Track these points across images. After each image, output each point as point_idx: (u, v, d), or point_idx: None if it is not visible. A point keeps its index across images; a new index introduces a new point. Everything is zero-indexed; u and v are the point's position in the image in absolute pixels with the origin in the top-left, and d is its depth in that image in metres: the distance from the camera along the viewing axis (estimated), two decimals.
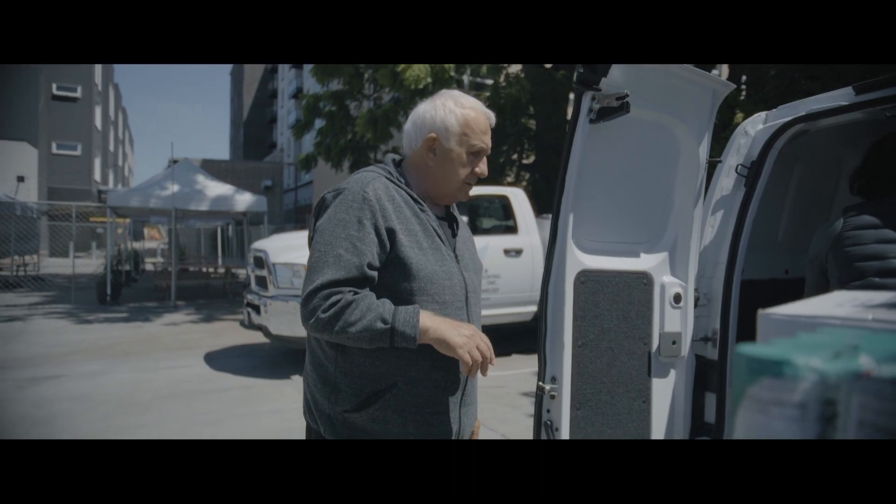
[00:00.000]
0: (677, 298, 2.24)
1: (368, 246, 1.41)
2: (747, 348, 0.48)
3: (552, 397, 2.05)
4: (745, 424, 0.47)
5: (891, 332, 0.56)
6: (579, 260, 2.07)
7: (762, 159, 2.29)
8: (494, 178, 12.13)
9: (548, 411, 2.07)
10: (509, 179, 13.20)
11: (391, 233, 1.44)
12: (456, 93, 1.60)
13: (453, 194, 1.60)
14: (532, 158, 13.53)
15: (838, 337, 0.57)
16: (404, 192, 1.53)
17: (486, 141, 1.57)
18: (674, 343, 2.25)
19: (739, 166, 2.34)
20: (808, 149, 2.73)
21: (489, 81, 12.89)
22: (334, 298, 1.38)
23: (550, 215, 2.04)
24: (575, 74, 1.93)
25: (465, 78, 13.39)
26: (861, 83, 2.02)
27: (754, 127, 2.39)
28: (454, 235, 1.62)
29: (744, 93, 10.10)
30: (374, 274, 1.44)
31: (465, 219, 1.73)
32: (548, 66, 12.45)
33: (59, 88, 34.14)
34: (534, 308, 7.32)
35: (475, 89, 13.51)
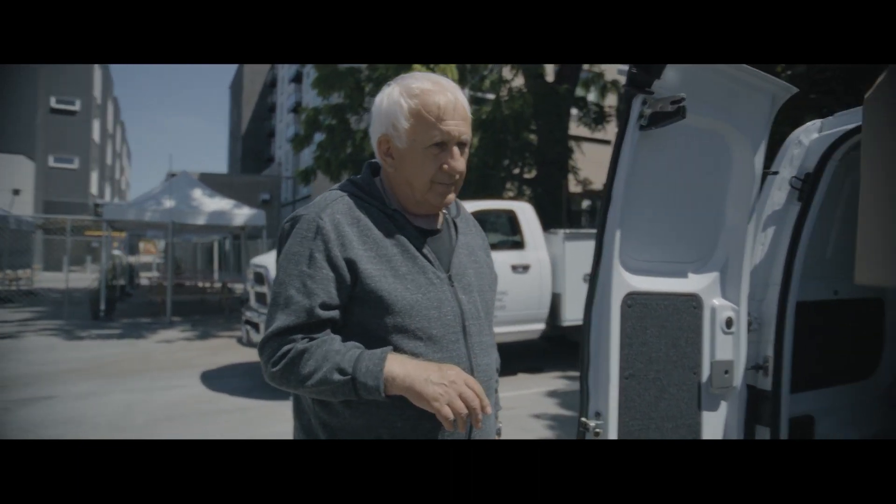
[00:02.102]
0: (729, 323, 2.04)
1: (321, 284, 1.19)
2: None
3: (596, 434, 1.83)
4: None
5: None
6: (626, 281, 1.87)
7: (819, 171, 2.10)
8: (496, 192, 11.98)
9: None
10: (510, 194, 13.04)
11: (352, 264, 1.21)
12: (407, 77, 1.30)
13: (425, 200, 1.30)
14: (534, 173, 13.38)
15: None
16: (375, 210, 1.28)
17: (450, 128, 1.25)
18: (726, 373, 2.04)
19: (793, 178, 2.15)
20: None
21: (491, 96, 12.77)
22: (285, 349, 1.18)
23: (559, 231, 1.83)
24: (626, 76, 1.74)
25: (467, 92, 13.28)
26: None
27: (808, 136, 2.20)
28: (452, 249, 1.35)
29: None
30: (333, 314, 1.21)
31: (474, 223, 1.43)
32: (550, 80, 12.34)
33: (58, 101, 34.03)
34: (542, 325, 7.10)
35: (475, 104, 13.40)
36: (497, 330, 6.77)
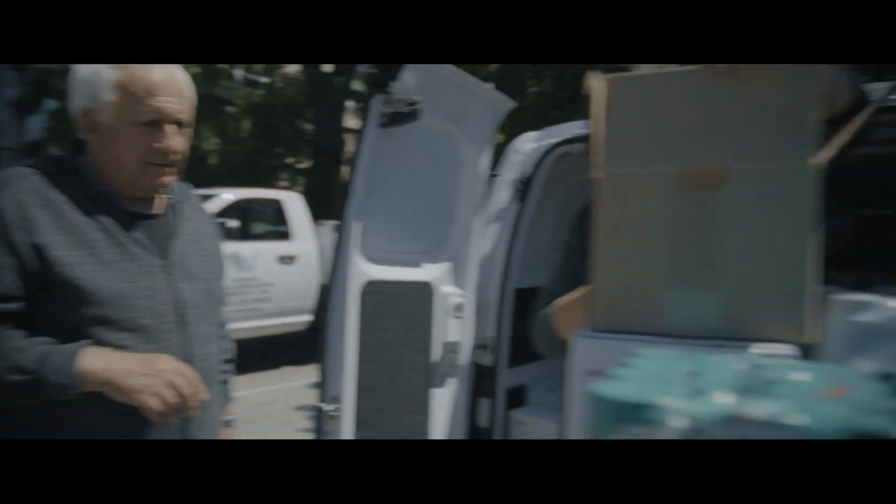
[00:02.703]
0: (458, 308, 2.27)
1: None
2: (604, 388, 0.41)
3: (332, 418, 1.90)
4: None
5: (715, 354, 0.55)
6: (365, 270, 1.97)
7: (532, 176, 2.45)
8: (267, 181, 11.54)
9: (328, 433, 1.91)
10: (283, 184, 12.68)
11: (40, 250, 1.09)
12: None
13: (137, 182, 1.21)
14: (310, 163, 13.19)
15: (668, 362, 0.53)
16: (74, 191, 1.16)
17: (162, 105, 1.17)
18: (453, 353, 2.27)
19: (514, 181, 2.48)
20: (568, 171, 3.03)
21: (264, 79, 12.24)
22: None
23: (328, 222, 1.89)
24: (368, 76, 1.82)
25: (241, 72, 12.52)
26: None
27: (526, 145, 2.55)
28: (172, 235, 1.27)
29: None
30: (11, 307, 1.09)
31: (203, 209, 1.39)
32: (327, 70, 12.28)
33: None
34: (309, 317, 7.05)
35: (249, 86, 12.71)
36: (262, 323, 6.56)
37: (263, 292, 6.52)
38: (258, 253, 6.42)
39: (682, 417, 0.38)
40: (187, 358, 1.22)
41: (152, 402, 1.05)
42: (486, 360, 2.45)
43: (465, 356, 2.32)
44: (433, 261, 2.26)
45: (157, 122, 1.18)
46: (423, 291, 2.18)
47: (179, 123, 1.22)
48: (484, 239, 2.49)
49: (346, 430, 1.91)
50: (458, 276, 2.30)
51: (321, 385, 1.91)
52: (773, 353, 0.62)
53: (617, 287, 0.69)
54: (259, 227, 7.14)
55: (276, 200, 7.06)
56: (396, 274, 2.10)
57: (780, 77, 0.62)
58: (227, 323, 1.55)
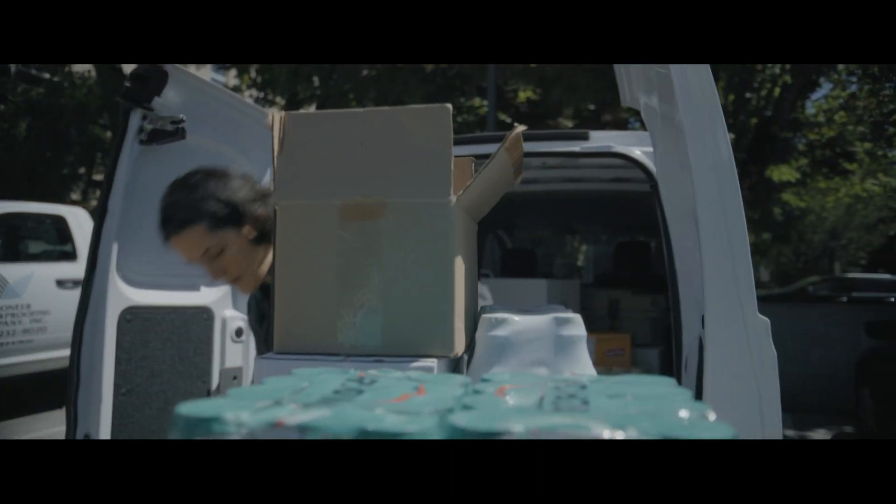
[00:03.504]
0: (239, 332, 2.21)
1: None
2: (184, 408, 0.45)
3: None
4: None
5: (348, 370, 0.62)
6: (125, 295, 1.83)
7: None
8: (56, 194, 10.15)
9: None
10: (75, 197, 11.24)
11: None
12: None
13: None
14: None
15: (298, 379, 0.59)
16: None
17: None
18: (234, 378, 2.20)
19: None
20: None
21: (46, 75, 10.77)
22: None
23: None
24: (123, 89, 1.72)
25: (14, 66, 10.84)
26: None
27: None
28: None
29: None
30: None
31: None
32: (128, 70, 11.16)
33: None
34: None
35: (28, 82, 11.08)
36: (36, 357, 5.70)
37: (36, 321, 5.69)
38: (30, 276, 5.60)
39: (238, 427, 0.43)
40: None
41: None
42: None
43: (248, 381, 2.26)
44: (211, 283, 2.18)
45: None
46: (200, 316, 2.09)
47: None
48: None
49: None
50: (238, 300, 2.24)
51: (69, 420, 1.73)
52: (420, 366, 0.71)
53: (294, 310, 0.74)
54: (35, 247, 6.23)
55: (59, 216, 6.23)
56: (168, 299, 1.99)
57: (425, 119, 0.72)
58: None
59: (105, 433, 1.76)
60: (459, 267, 0.76)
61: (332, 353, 0.74)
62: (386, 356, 0.72)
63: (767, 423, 0.80)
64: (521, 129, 0.81)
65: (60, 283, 5.91)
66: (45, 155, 10.43)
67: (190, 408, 0.44)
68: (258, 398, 0.49)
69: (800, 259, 22.29)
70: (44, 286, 5.72)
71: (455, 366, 0.79)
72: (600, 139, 2.19)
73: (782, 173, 10.75)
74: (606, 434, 0.41)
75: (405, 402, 0.50)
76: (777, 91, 9.97)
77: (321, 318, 0.73)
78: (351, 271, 0.73)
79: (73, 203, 9.75)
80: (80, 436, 1.73)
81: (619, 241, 4.11)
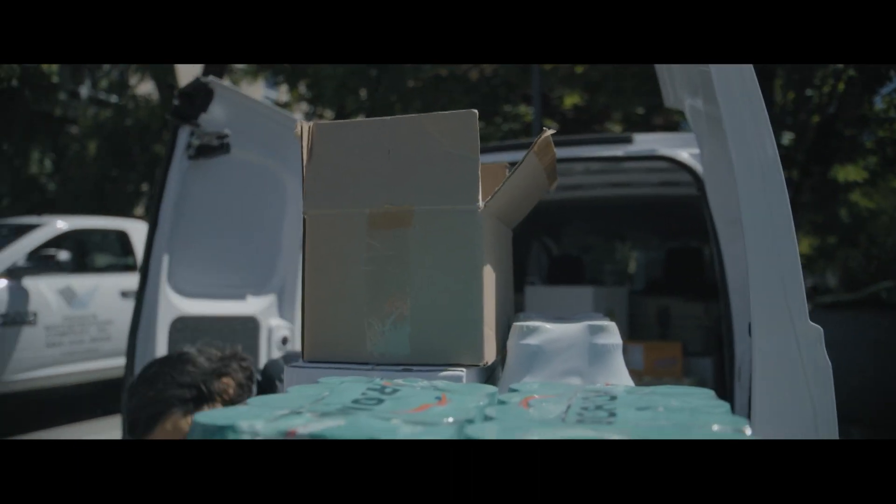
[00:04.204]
0: (284, 341, 2.25)
1: None
2: (202, 416, 0.45)
3: None
4: None
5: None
6: (175, 305, 1.89)
7: None
8: (122, 209, 10.68)
9: None
10: (138, 212, 11.78)
11: None
12: None
13: None
14: None
15: (321, 388, 0.59)
16: None
17: None
18: (280, 383, 2.24)
19: None
20: None
21: (114, 99, 11.38)
22: None
23: None
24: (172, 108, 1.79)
25: (85, 89, 11.51)
26: None
27: None
28: None
29: None
30: None
31: None
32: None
33: None
34: None
35: (96, 105, 11.73)
36: (102, 365, 5.98)
37: (102, 331, 5.97)
38: (96, 287, 5.89)
39: (252, 435, 0.42)
40: None
41: None
42: None
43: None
44: (259, 294, 2.23)
45: None
46: (247, 325, 2.14)
47: None
48: None
49: None
50: (285, 309, 2.28)
51: (124, 428, 1.79)
52: (449, 375, 0.69)
53: (324, 319, 0.75)
54: (100, 260, 6.56)
55: (122, 231, 6.54)
56: (217, 308, 2.04)
57: (451, 125, 0.71)
58: None
59: None
60: (489, 274, 0.75)
61: (361, 362, 0.73)
62: (415, 365, 0.71)
63: (823, 437, 0.75)
64: (550, 132, 0.79)
65: (124, 295, 6.19)
66: (112, 173, 11.00)
67: (207, 416, 0.44)
68: (278, 406, 0.49)
69: (871, 263, 21.04)
70: (109, 297, 6.00)
71: (487, 375, 0.77)
72: (645, 142, 2.13)
73: (848, 173, 10.18)
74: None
75: (424, 413, 0.49)
76: (841, 86, 9.48)
77: (350, 327, 0.73)
78: (380, 280, 0.73)
79: (137, 218, 10.23)
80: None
81: (669, 247, 3.99)
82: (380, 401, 0.52)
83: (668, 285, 3.39)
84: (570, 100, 9.77)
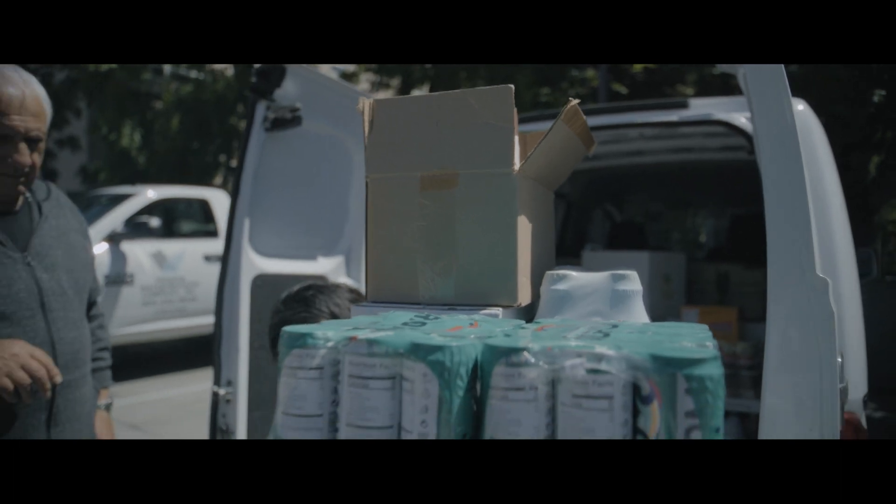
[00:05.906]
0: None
1: None
2: (288, 328, 0.60)
3: (227, 401, 2.04)
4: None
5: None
6: (255, 264, 2.11)
7: None
8: (202, 179, 11.34)
9: (223, 416, 2.05)
10: (217, 181, 12.46)
11: None
12: None
13: None
14: None
15: (378, 317, 0.73)
16: None
17: (15, 123, 1.27)
18: None
19: None
20: None
21: (194, 74, 11.99)
22: None
23: None
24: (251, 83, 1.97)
25: (168, 67, 12.21)
26: None
27: None
28: (33, 231, 1.39)
29: None
30: None
31: (71, 207, 1.51)
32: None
33: None
34: None
35: (179, 80, 12.42)
36: (189, 323, 6.52)
37: (189, 292, 6.49)
38: (183, 252, 6.39)
39: (324, 340, 0.57)
40: (50, 342, 1.34)
41: (4, 383, 1.17)
42: None
43: None
44: (328, 255, 2.43)
45: (7, 138, 1.28)
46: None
47: (32, 140, 1.32)
48: None
49: (241, 413, 2.06)
50: (352, 269, 2.47)
51: (216, 370, 2.04)
52: (487, 313, 0.82)
53: (383, 267, 0.89)
54: (186, 227, 7.08)
55: (203, 200, 7.02)
56: (291, 267, 2.25)
57: (489, 99, 0.83)
58: (102, 315, 1.66)
59: (243, 381, 2.07)
60: (525, 228, 0.86)
61: (413, 303, 0.87)
62: (458, 305, 0.84)
63: (826, 379, 0.82)
64: (575, 102, 0.88)
65: (207, 259, 6.69)
66: (193, 145, 11.67)
67: (292, 328, 0.59)
68: (345, 326, 0.63)
69: None
70: (194, 261, 6.51)
71: (523, 316, 0.90)
72: (701, 107, 2.13)
73: None
74: (598, 349, 0.50)
75: (457, 332, 0.62)
76: None
77: (405, 273, 0.87)
78: (430, 234, 0.86)
79: (216, 187, 10.85)
80: (223, 382, 2.04)
81: (732, 213, 3.92)
82: (423, 323, 0.66)
83: (729, 251, 3.36)
84: (640, 64, 9.45)
